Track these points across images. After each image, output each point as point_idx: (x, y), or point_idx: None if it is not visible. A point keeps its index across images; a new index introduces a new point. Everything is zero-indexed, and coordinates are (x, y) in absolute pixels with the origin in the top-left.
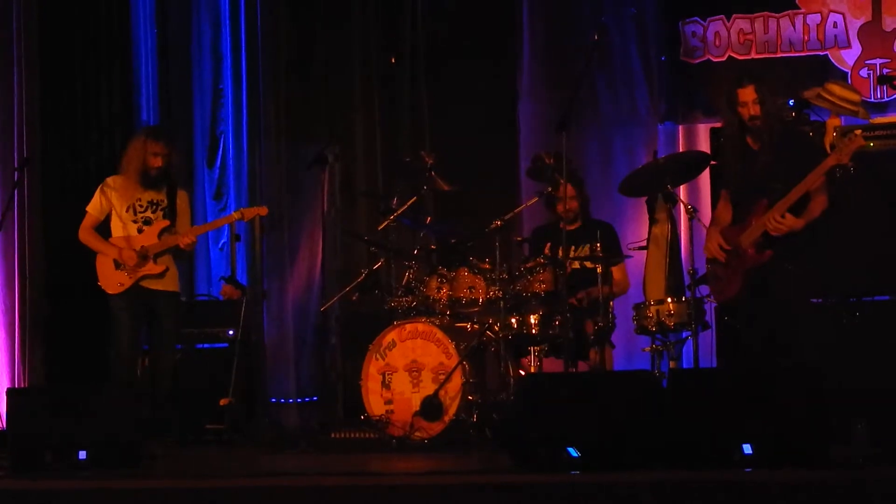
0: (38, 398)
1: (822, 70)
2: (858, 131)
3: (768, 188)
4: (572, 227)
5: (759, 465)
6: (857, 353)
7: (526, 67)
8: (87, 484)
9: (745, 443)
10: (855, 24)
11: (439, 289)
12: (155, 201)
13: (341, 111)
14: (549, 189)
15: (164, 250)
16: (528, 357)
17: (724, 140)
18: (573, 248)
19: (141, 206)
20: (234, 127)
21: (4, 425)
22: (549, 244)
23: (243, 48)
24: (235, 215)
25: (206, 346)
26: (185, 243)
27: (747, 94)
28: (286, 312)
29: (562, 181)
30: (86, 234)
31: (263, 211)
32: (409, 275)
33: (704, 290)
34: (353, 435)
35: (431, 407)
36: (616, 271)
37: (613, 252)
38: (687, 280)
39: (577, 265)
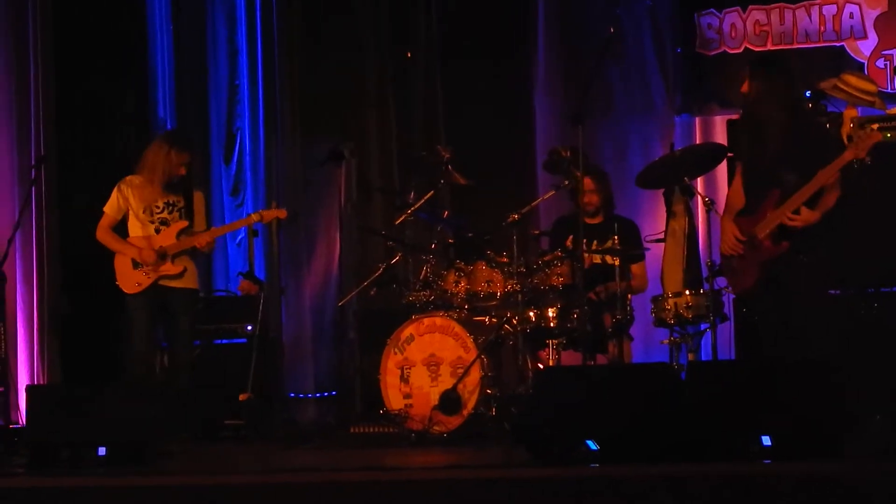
0: (56, 395)
1: (838, 61)
2: (875, 125)
3: (781, 178)
4: (594, 221)
5: (777, 458)
6: (874, 344)
7: (541, 61)
8: (104, 481)
9: (764, 435)
10: (871, 14)
11: (457, 283)
12: (171, 202)
13: (357, 106)
14: (566, 182)
15: (181, 251)
16: (547, 350)
17: (741, 125)
18: (595, 242)
19: (157, 207)
20: (251, 123)
21: (24, 422)
22: (571, 237)
23: (259, 44)
24: (255, 217)
25: (224, 341)
26: (202, 245)
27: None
28: (304, 308)
29: (579, 174)
30: (104, 234)
31: (283, 214)
32: (426, 269)
33: (722, 281)
34: (371, 429)
35: (450, 401)
36: (636, 268)
37: (634, 248)
38: (705, 272)
39: (597, 259)
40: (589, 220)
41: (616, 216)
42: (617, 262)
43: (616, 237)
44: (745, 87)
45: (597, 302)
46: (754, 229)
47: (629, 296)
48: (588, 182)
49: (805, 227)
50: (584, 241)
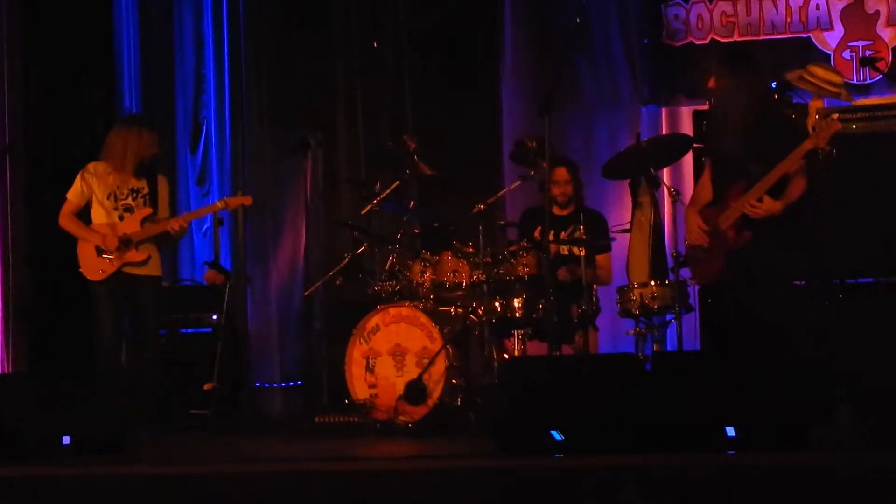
0: (22, 385)
1: (804, 52)
2: (836, 115)
3: (746, 170)
4: (564, 213)
5: (742, 448)
6: (840, 335)
7: (508, 51)
8: (70, 471)
9: (729, 425)
10: (838, 6)
11: (423, 273)
12: (136, 188)
13: (324, 97)
14: (532, 173)
15: (146, 238)
16: (512, 341)
17: (710, 117)
18: (563, 233)
19: (122, 193)
20: (217, 113)
21: None
22: (539, 227)
23: (225, 34)
24: (220, 204)
25: (189, 331)
26: (175, 228)
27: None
28: (270, 297)
29: (545, 165)
30: (66, 221)
31: (248, 201)
32: (392, 259)
33: (687, 272)
34: (337, 419)
35: (415, 391)
36: (601, 259)
37: (600, 240)
38: (670, 263)
39: (564, 251)
40: (558, 212)
41: (584, 208)
42: (583, 253)
43: (582, 228)
44: (711, 83)
45: (562, 291)
46: (718, 220)
47: (595, 287)
48: (562, 172)
49: (767, 218)
50: (552, 231)
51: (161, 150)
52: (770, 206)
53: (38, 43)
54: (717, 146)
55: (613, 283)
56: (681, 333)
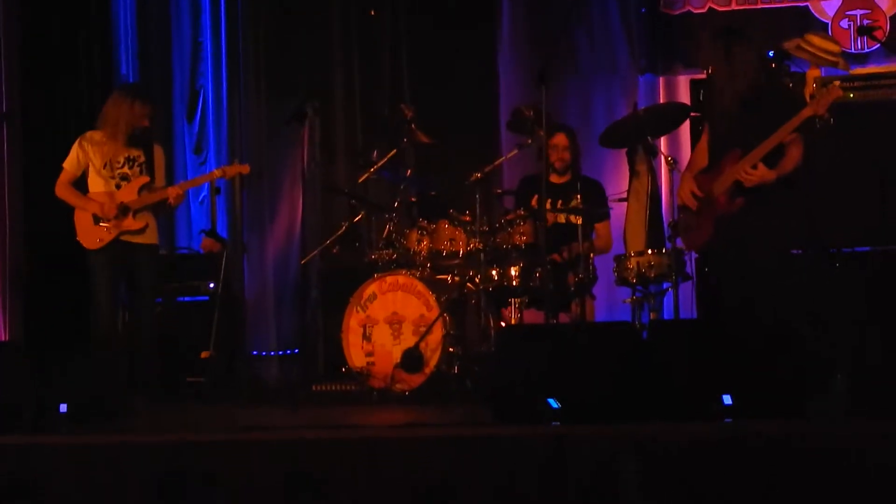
0: (19, 354)
1: (802, 21)
2: (837, 82)
3: (744, 138)
4: (561, 181)
5: (738, 416)
6: (835, 304)
7: (506, 20)
8: (67, 440)
9: (725, 394)
10: None
11: (420, 241)
12: (132, 157)
13: (321, 65)
14: (529, 141)
15: (143, 206)
16: (509, 309)
17: (709, 85)
18: (560, 201)
19: (118, 162)
20: (214, 81)
21: None
22: (536, 196)
23: (222, 2)
24: (217, 173)
25: (186, 299)
26: (174, 195)
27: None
28: (267, 266)
29: (542, 133)
30: (63, 190)
31: (245, 169)
32: (389, 227)
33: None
34: (333, 387)
35: (412, 359)
36: (601, 228)
37: (598, 208)
38: (667, 232)
39: (561, 219)
40: (556, 180)
41: (582, 176)
42: (580, 222)
43: (580, 196)
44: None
45: (560, 263)
46: (712, 185)
47: (592, 255)
48: (561, 138)
49: (760, 186)
50: (549, 200)
51: (153, 124)
52: (763, 173)
53: (34, 11)
54: (714, 114)
55: (612, 251)
56: (677, 302)
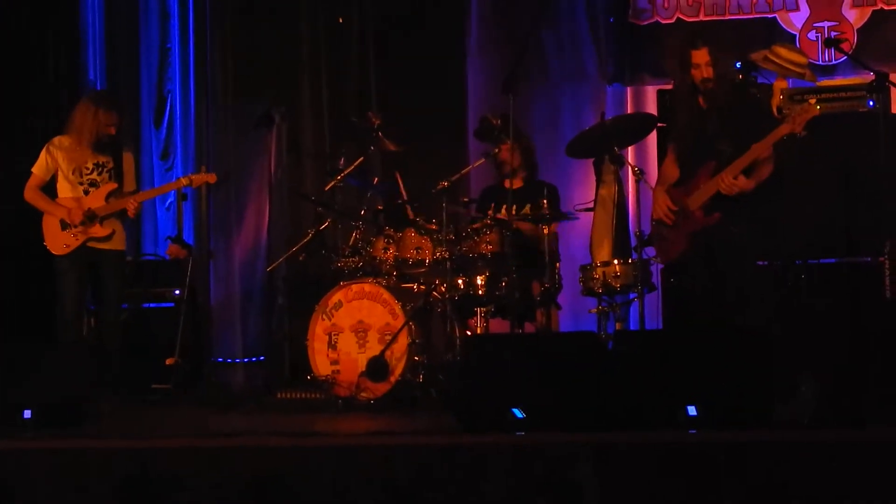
0: None
1: (769, 32)
2: (813, 99)
3: (717, 150)
4: (514, 186)
5: (703, 427)
6: (801, 315)
7: (474, 27)
8: (31, 444)
9: (690, 404)
10: None
11: (386, 249)
12: (101, 163)
13: (288, 71)
14: (496, 150)
15: (110, 213)
16: (475, 318)
17: (674, 99)
18: (514, 207)
19: (87, 168)
20: (182, 87)
21: None
22: (493, 204)
23: (191, 8)
24: (184, 181)
25: (152, 305)
26: (132, 208)
27: (701, 56)
28: (233, 272)
29: (508, 142)
30: (31, 194)
31: (212, 178)
32: (355, 235)
33: (651, 251)
34: (298, 395)
35: (377, 367)
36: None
37: (554, 211)
38: (633, 242)
39: (525, 227)
40: (511, 185)
41: (537, 181)
42: (546, 230)
43: (545, 200)
44: (701, 59)
45: (525, 269)
46: (687, 200)
47: (557, 263)
48: (506, 145)
49: (737, 199)
50: (504, 207)
51: (120, 132)
52: (744, 184)
53: (1, 13)
54: (683, 126)
55: (577, 260)
56: (643, 312)
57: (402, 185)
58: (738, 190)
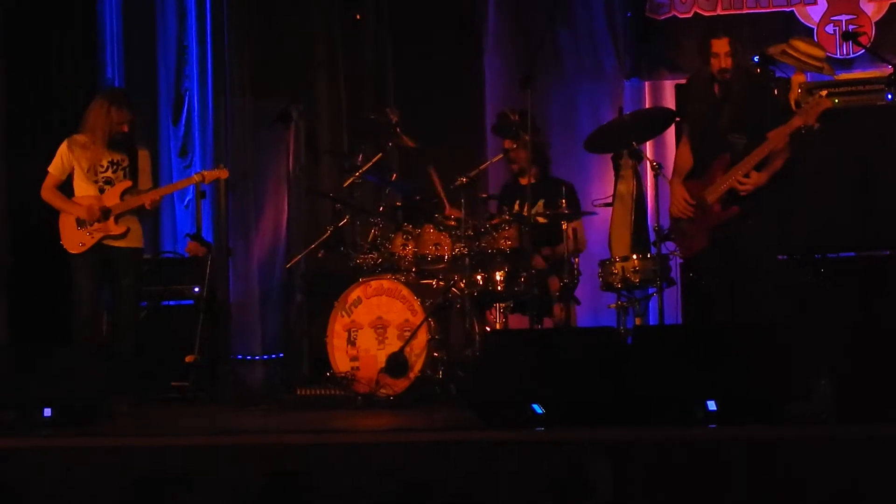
0: (2, 356)
1: (787, 26)
2: (824, 92)
3: (731, 142)
4: (529, 182)
5: (722, 422)
6: (820, 310)
7: (492, 23)
8: (50, 442)
9: (710, 400)
10: None
11: (405, 245)
12: (116, 161)
13: (306, 68)
14: (515, 146)
15: (126, 211)
16: (493, 314)
17: (691, 87)
18: (527, 204)
19: (102, 166)
20: (199, 84)
21: None
22: (517, 202)
23: (208, 5)
24: (196, 178)
25: (171, 303)
26: (149, 201)
27: (721, 45)
28: (251, 270)
29: (527, 137)
30: (48, 194)
31: (224, 174)
32: (374, 232)
33: (670, 246)
34: (318, 392)
35: (397, 364)
36: (571, 228)
37: (571, 208)
38: (652, 236)
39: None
40: (524, 181)
41: (552, 178)
42: (565, 227)
43: (564, 199)
44: (721, 48)
45: (545, 266)
46: (703, 193)
47: (576, 258)
48: (508, 142)
49: (754, 192)
50: (517, 203)
51: (134, 130)
52: (757, 179)
53: (19, 12)
54: (698, 117)
55: (595, 256)
56: (662, 307)
57: (437, 182)
58: (751, 187)
